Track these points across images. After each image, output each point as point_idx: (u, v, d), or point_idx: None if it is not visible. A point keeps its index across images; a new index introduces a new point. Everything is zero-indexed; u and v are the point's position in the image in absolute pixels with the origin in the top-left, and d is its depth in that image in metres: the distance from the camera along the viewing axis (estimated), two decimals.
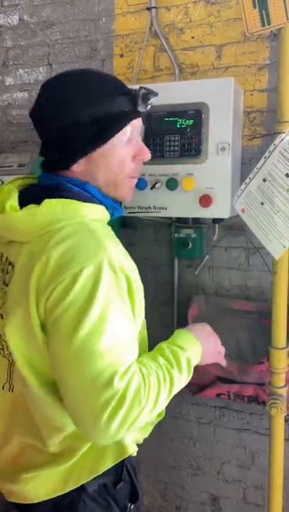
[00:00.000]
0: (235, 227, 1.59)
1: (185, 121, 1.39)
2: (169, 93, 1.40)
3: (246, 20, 1.23)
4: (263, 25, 1.22)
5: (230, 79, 1.34)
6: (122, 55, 1.70)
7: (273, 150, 1.27)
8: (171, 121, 1.41)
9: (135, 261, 0.98)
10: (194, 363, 0.98)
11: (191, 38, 1.59)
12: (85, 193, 0.94)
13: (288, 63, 1.22)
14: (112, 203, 0.99)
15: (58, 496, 0.98)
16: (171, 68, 1.61)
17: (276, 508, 1.45)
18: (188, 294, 1.71)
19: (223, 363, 1.14)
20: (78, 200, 0.91)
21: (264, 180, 1.30)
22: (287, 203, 1.25)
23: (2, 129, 1.96)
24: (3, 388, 1.00)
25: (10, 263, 0.94)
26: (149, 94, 0.96)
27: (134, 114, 0.96)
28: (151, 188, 1.43)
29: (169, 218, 1.62)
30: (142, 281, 0.97)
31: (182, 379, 0.94)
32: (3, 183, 1.54)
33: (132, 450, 1.01)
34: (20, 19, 1.86)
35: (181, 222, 1.59)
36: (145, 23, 1.62)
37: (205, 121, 1.36)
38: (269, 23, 1.22)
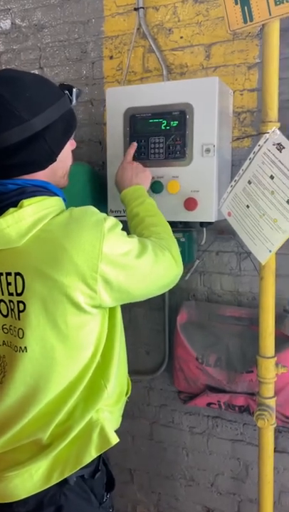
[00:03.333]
0: (226, 231, 1.55)
1: (169, 123, 1.35)
2: (154, 94, 1.37)
3: (228, 17, 1.19)
4: (245, 21, 1.18)
5: (215, 78, 1.30)
6: (111, 57, 1.68)
7: (258, 151, 1.22)
8: (156, 122, 1.37)
9: None
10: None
11: (179, 37, 1.56)
12: (48, 190, 0.99)
13: (272, 61, 1.18)
14: (64, 196, 1.05)
15: (39, 491, 0.98)
16: (160, 69, 1.58)
17: None
18: (180, 299, 1.67)
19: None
20: (48, 196, 0.97)
21: (249, 182, 1.26)
22: (272, 205, 1.20)
23: None
24: None
25: (8, 273, 0.93)
26: (80, 92, 1.07)
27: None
28: None
29: None
30: None
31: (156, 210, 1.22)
32: None
33: (115, 440, 1.03)
34: (12, 23, 1.85)
35: (170, 226, 1.55)
36: (134, 24, 1.60)
37: (189, 123, 1.33)
38: (251, 20, 1.17)
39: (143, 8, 1.57)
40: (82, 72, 1.74)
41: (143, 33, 1.59)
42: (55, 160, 1.00)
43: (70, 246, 0.90)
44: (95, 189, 1.53)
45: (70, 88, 1.03)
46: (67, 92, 1.01)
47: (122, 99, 1.41)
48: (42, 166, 0.98)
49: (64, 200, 1.04)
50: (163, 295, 1.68)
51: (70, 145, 1.07)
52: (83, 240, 0.90)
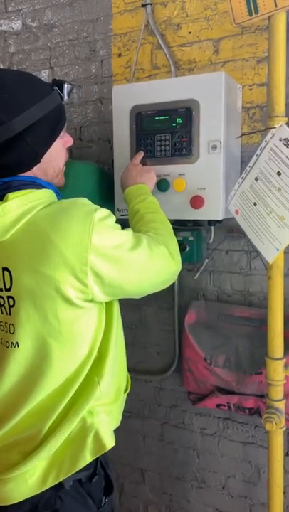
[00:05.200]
0: (236, 229, 1.51)
1: (175, 120, 1.33)
2: (160, 91, 1.35)
3: (232, 9, 1.16)
4: (251, 14, 1.14)
5: (221, 73, 1.27)
6: (120, 55, 1.66)
7: (264, 147, 1.19)
8: (162, 119, 1.35)
9: None
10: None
11: (188, 33, 1.53)
12: (35, 183, 0.98)
13: (279, 54, 1.14)
14: (56, 189, 1.04)
15: (34, 495, 0.97)
16: (168, 66, 1.56)
17: None
18: (189, 299, 1.65)
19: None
20: (36, 188, 0.96)
21: (256, 179, 1.22)
22: (279, 203, 1.17)
23: None
24: None
25: None
26: (73, 87, 1.03)
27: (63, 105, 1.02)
28: None
29: None
30: None
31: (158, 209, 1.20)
32: None
33: (110, 444, 1.01)
34: (23, 24, 1.86)
35: (179, 224, 1.53)
36: (141, 21, 1.58)
37: (195, 119, 1.30)
38: (257, 12, 1.14)
39: (151, 4, 1.55)
40: (92, 71, 1.73)
41: (151, 30, 1.57)
42: (40, 161, 0.97)
43: (58, 238, 0.87)
44: (104, 189, 1.52)
45: (60, 84, 0.99)
46: (56, 88, 0.98)
47: (128, 97, 1.39)
48: (26, 167, 0.97)
49: (57, 193, 1.02)
50: (172, 294, 1.66)
51: (64, 143, 1.04)
52: (72, 232, 0.87)
